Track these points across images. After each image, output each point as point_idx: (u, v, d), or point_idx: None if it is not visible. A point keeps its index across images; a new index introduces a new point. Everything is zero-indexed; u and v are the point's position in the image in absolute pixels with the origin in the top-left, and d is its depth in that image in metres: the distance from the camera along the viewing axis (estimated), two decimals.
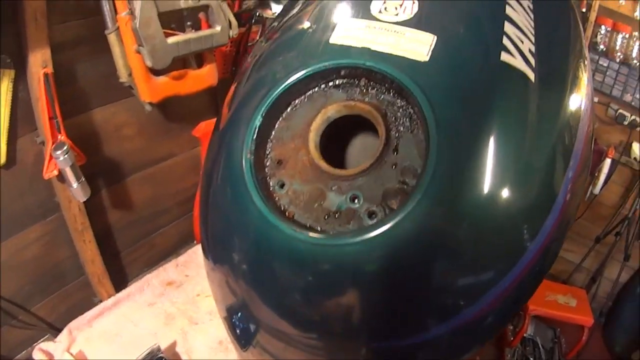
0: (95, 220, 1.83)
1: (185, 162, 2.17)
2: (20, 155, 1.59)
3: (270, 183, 0.90)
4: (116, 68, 1.62)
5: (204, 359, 1.65)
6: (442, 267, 0.83)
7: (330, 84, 0.91)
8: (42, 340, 1.77)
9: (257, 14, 1.92)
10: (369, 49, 0.89)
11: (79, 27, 1.63)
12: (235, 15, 1.66)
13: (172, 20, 1.63)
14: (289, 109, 0.92)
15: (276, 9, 1.99)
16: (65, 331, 1.63)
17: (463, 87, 0.87)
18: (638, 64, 2.79)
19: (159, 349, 1.47)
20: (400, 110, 0.87)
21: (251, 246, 0.89)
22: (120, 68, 1.58)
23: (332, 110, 0.89)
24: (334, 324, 0.87)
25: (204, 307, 1.84)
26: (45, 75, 1.49)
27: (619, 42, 2.78)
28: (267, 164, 0.91)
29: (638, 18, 2.71)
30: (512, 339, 2.63)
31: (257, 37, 2.03)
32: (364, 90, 0.90)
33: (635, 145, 2.84)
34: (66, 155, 1.52)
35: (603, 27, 2.77)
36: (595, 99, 2.79)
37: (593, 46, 2.78)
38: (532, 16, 1.10)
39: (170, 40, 1.49)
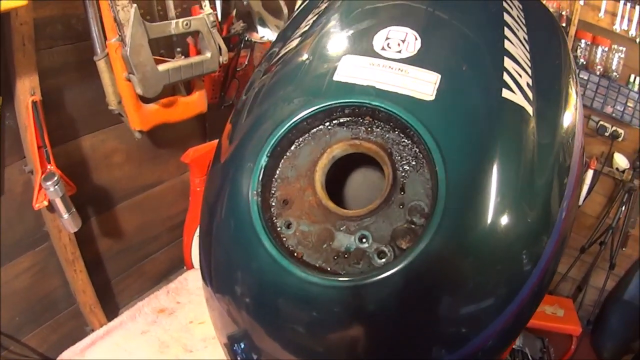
0: (86, 249, 1.80)
1: (174, 188, 2.16)
2: (9, 184, 1.56)
3: (277, 224, 0.89)
4: (105, 95, 1.59)
5: None
6: (451, 301, 0.83)
7: (335, 122, 0.91)
8: None
9: (246, 38, 1.91)
10: (374, 87, 0.89)
11: (67, 52, 1.61)
12: (223, 39, 1.65)
13: (161, 46, 1.62)
14: (293, 147, 0.92)
15: (263, 32, 1.99)
16: None
17: (467, 126, 0.88)
18: (617, 76, 2.85)
19: None
20: (406, 149, 0.87)
21: (261, 286, 0.88)
22: (110, 95, 1.56)
23: (337, 150, 0.89)
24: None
25: (198, 334, 1.81)
26: (34, 103, 1.46)
27: (598, 55, 2.85)
28: (273, 204, 0.90)
29: (617, 31, 2.78)
30: None
31: (246, 62, 2.02)
32: (369, 129, 0.90)
33: (616, 156, 2.91)
34: (56, 186, 1.49)
35: (583, 41, 2.83)
36: None
37: (573, 60, 2.82)
38: (527, 47, 1.13)
39: (161, 67, 1.47)
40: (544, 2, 2.78)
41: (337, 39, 1.05)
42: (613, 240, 2.92)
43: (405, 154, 0.87)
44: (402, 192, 0.85)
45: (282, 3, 1.96)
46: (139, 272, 2.12)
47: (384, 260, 0.82)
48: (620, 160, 2.90)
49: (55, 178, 1.48)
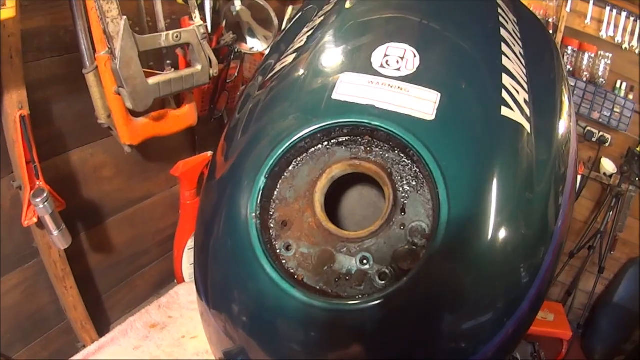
0: (76, 264, 1.76)
1: (164, 202, 2.12)
2: None
3: (277, 246, 0.87)
4: (94, 108, 1.56)
5: None
6: (453, 319, 0.83)
7: (334, 141, 0.90)
8: None
9: (236, 49, 1.88)
10: (373, 106, 0.88)
11: (55, 64, 1.57)
12: (213, 50, 1.63)
13: (151, 59, 1.59)
14: (291, 168, 0.90)
15: (252, 43, 1.97)
16: None
17: (467, 145, 0.88)
18: (604, 82, 2.88)
19: None
20: (406, 169, 0.86)
21: (260, 309, 0.87)
22: (99, 109, 1.52)
23: (336, 170, 0.88)
24: None
25: (191, 349, 1.78)
26: (22, 117, 1.42)
27: (585, 62, 2.88)
28: (272, 225, 0.89)
29: (603, 37, 2.81)
30: None
31: (235, 73, 1.99)
32: (368, 148, 0.89)
33: (604, 161, 2.94)
34: (46, 203, 1.45)
35: (569, 47, 2.86)
36: None
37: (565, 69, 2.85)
38: (523, 62, 1.13)
39: (151, 80, 1.44)
40: (531, 9, 2.81)
41: (334, 55, 1.04)
42: (602, 244, 2.95)
43: (405, 174, 0.86)
44: (402, 213, 0.84)
45: (273, 14, 1.94)
46: (130, 287, 2.08)
47: (385, 281, 0.81)
48: (608, 165, 2.93)
49: (45, 194, 1.45)
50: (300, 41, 1.22)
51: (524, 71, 1.10)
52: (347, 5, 1.23)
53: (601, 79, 2.87)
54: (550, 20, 2.82)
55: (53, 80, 1.58)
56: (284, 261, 0.86)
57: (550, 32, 2.81)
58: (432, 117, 0.87)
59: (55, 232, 1.51)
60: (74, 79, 1.55)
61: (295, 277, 0.84)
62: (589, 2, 2.76)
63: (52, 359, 1.77)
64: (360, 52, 1.00)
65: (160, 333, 1.83)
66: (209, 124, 2.07)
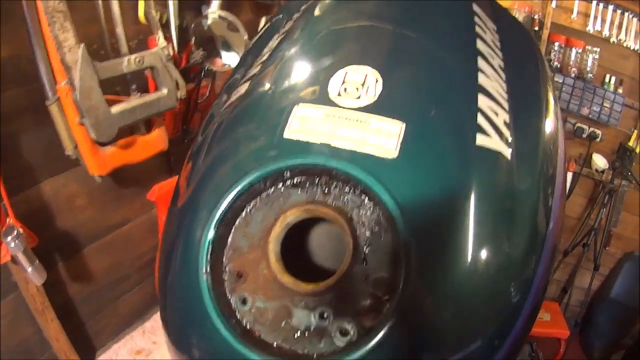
0: (56, 295, 1.69)
1: (142, 226, 2.04)
2: None
3: (231, 300, 0.78)
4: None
5: None
6: None
7: (288, 183, 0.80)
8: None
9: (206, 67, 1.77)
10: (329, 145, 0.78)
11: (20, 96, 1.48)
12: (183, 70, 1.53)
13: (117, 83, 1.49)
14: (244, 214, 0.80)
15: (227, 58, 1.85)
16: None
17: (436, 184, 0.77)
18: (592, 77, 2.78)
19: None
20: (368, 212, 0.76)
21: None
22: (65, 140, 1.44)
23: (291, 216, 0.77)
24: None
25: None
26: None
27: (572, 57, 2.77)
28: (226, 277, 0.79)
29: (590, 32, 2.70)
30: None
31: (207, 92, 1.88)
32: (326, 190, 0.78)
33: (595, 157, 2.84)
34: (17, 241, 1.38)
35: (556, 43, 2.75)
36: None
37: (547, 64, 2.74)
38: (503, 76, 1.02)
39: (115, 109, 1.35)
40: (515, 6, 2.70)
41: (291, 81, 0.93)
42: (596, 240, 2.85)
43: (366, 219, 0.76)
44: (364, 262, 0.74)
45: (242, 30, 1.82)
46: (113, 313, 2.00)
47: (346, 338, 0.71)
48: (599, 161, 2.83)
49: (15, 232, 1.37)
50: (266, 53, 1.12)
51: (504, 87, 0.99)
52: (316, 12, 1.13)
53: (589, 74, 2.77)
54: (536, 16, 2.71)
55: (18, 112, 1.49)
56: (239, 316, 0.77)
57: (536, 28, 2.70)
58: (395, 154, 0.76)
59: (29, 269, 1.44)
60: (40, 110, 1.45)
61: (252, 332, 0.75)
62: None
63: None
64: (317, 78, 0.89)
65: (146, 359, 1.76)
66: (183, 145, 1.98)
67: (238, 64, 1.30)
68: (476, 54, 1.00)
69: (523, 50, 1.25)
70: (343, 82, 0.86)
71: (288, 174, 0.79)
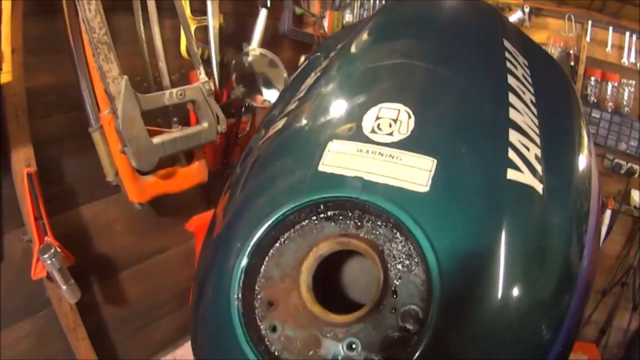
0: (88, 315, 1.73)
1: (179, 255, 2.08)
2: (9, 250, 1.51)
3: (262, 327, 0.81)
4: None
5: None
6: None
7: (322, 215, 0.83)
8: None
9: (247, 103, 1.84)
10: (362, 179, 0.81)
11: (63, 121, 1.57)
12: (223, 105, 1.59)
13: (159, 115, 1.56)
14: (277, 244, 0.84)
15: (268, 94, 1.92)
16: None
17: (467, 218, 0.79)
18: (629, 111, 2.74)
19: None
20: (399, 246, 0.79)
21: None
22: (107, 167, 1.50)
23: (324, 248, 0.80)
24: None
25: None
26: (29, 175, 1.41)
27: (609, 92, 2.73)
28: (257, 305, 0.82)
29: (625, 64, 2.67)
30: None
31: (247, 128, 1.95)
32: (358, 223, 0.81)
33: (634, 193, 2.76)
34: (53, 259, 1.43)
35: (592, 78, 2.72)
36: None
37: (584, 99, 2.72)
38: (535, 111, 1.04)
39: (156, 140, 1.42)
40: (550, 42, 2.71)
41: (326, 117, 0.98)
42: (635, 279, 2.76)
43: (397, 252, 0.78)
44: (394, 295, 0.76)
45: (282, 67, 1.89)
46: (145, 338, 2.04)
47: None
48: (638, 197, 2.75)
49: (52, 251, 1.42)
50: (303, 90, 1.18)
51: (536, 122, 1.01)
52: (345, 59, 1.18)
53: (626, 108, 2.72)
54: (571, 51, 2.71)
55: (61, 137, 1.57)
56: (268, 343, 0.79)
57: (572, 63, 2.69)
58: (426, 189, 0.79)
59: (64, 287, 1.49)
60: (82, 136, 1.53)
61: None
62: (608, 29, 2.64)
63: None
64: (351, 115, 0.94)
65: None
66: (223, 179, 2.00)
67: (276, 101, 1.36)
68: (507, 89, 1.02)
69: (555, 84, 1.26)
70: (376, 119, 0.90)
71: (322, 207, 0.82)
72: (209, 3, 1.65)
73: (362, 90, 1.02)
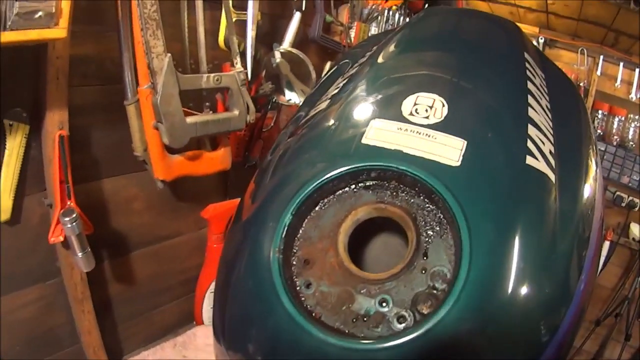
0: (96, 290, 1.78)
1: (191, 242, 2.15)
2: (26, 214, 1.56)
3: (297, 283, 0.89)
4: (131, 140, 1.62)
5: None
6: None
7: (360, 184, 0.93)
8: None
9: (273, 99, 1.95)
10: (401, 151, 0.91)
11: (98, 92, 1.64)
12: (251, 99, 1.69)
13: (191, 99, 1.65)
14: (317, 208, 0.93)
15: (289, 96, 2.03)
16: None
17: (492, 192, 0.90)
18: (634, 145, 2.87)
19: None
20: (430, 214, 0.88)
21: (276, 345, 0.87)
22: (136, 142, 1.58)
23: (362, 212, 0.90)
24: None
25: None
26: (61, 137, 1.48)
27: (615, 126, 2.88)
28: (294, 262, 0.91)
29: (633, 99, 2.81)
30: None
31: (272, 123, 2.05)
32: (395, 193, 0.91)
33: (633, 226, 2.88)
34: (74, 223, 1.48)
35: (600, 111, 2.87)
36: None
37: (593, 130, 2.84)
38: (550, 116, 1.16)
39: (189, 120, 1.50)
40: None
41: (366, 103, 1.08)
42: (629, 311, 2.85)
43: (429, 220, 0.88)
44: (425, 257, 0.85)
45: (311, 68, 2.01)
46: (148, 321, 2.08)
47: (403, 325, 0.81)
48: (637, 230, 2.87)
49: (74, 215, 1.48)
50: (334, 90, 1.27)
51: (550, 124, 1.13)
52: (380, 60, 1.29)
53: (631, 143, 2.87)
54: (582, 84, 2.85)
55: (95, 107, 1.65)
56: (303, 298, 0.87)
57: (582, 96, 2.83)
58: (458, 164, 0.89)
59: (80, 254, 1.54)
60: (115, 110, 1.61)
61: (313, 314, 0.85)
62: (619, 65, 2.79)
63: None
64: (390, 101, 1.04)
65: None
66: (242, 171, 2.11)
67: (304, 103, 1.45)
68: (527, 91, 1.15)
69: (568, 98, 1.37)
70: (414, 104, 1.01)
71: (363, 176, 0.92)
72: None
73: (400, 83, 1.13)
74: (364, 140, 0.94)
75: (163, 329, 2.15)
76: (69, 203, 1.52)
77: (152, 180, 1.66)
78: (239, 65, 1.62)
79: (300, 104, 1.45)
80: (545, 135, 1.06)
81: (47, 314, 1.72)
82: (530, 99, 1.12)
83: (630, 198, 2.85)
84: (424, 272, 0.84)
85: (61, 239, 1.51)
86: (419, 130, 0.94)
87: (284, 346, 0.86)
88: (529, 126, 1.03)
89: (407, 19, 2.60)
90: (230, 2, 1.70)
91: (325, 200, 0.93)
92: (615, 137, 2.88)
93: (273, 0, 2.12)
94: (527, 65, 1.27)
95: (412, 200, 0.90)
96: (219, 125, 1.57)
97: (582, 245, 0.98)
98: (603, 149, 2.87)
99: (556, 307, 0.88)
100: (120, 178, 1.77)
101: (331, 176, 0.91)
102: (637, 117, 2.83)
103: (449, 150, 0.91)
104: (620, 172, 2.87)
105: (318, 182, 0.91)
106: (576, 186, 1.05)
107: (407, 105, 1.00)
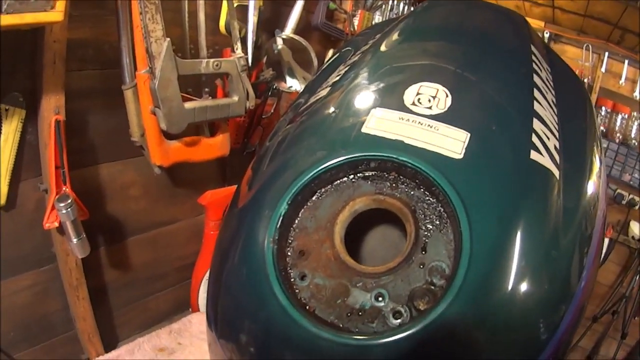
0: (91, 276, 1.76)
1: (188, 229, 2.12)
2: (21, 199, 1.53)
3: (291, 274, 0.86)
4: (129, 125, 1.58)
5: None
6: None
7: (359, 175, 0.89)
8: None
9: (274, 86, 1.90)
10: (402, 142, 0.87)
11: (95, 77, 1.61)
12: (252, 85, 1.65)
13: (190, 84, 1.62)
14: (314, 198, 0.89)
15: (291, 83, 1.99)
16: None
17: (494, 186, 0.86)
18: (636, 144, 2.83)
19: None
20: (430, 207, 0.85)
21: (268, 337, 0.85)
22: (134, 127, 1.55)
23: (360, 204, 0.86)
24: None
25: None
26: (57, 122, 1.45)
27: (618, 123, 2.83)
28: (289, 253, 0.87)
29: (637, 98, 2.77)
30: None
31: (271, 110, 2.01)
32: (394, 185, 0.87)
33: (633, 224, 2.84)
34: (69, 209, 1.46)
35: (603, 108, 2.82)
36: None
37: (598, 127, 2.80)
38: (555, 110, 1.12)
39: (187, 105, 1.47)
40: None
41: (367, 91, 1.05)
42: (626, 309, 2.82)
43: (429, 213, 0.84)
44: (423, 251, 0.82)
45: (313, 55, 1.97)
46: (143, 308, 2.06)
47: (399, 320, 0.78)
48: (637, 229, 2.83)
49: (69, 200, 1.46)
50: (335, 77, 1.23)
51: (556, 119, 1.09)
52: (383, 48, 1.25)
53: (633, 141, 2.82)
54: (586, 80, 2.80)
55: (92, 92, 1.62)
56: (297, 290, 0.84)
57: None
58: (460, 156, 0.86)
59: (75, 240, 1.52)
60: (112, 94, 1.58)
61: (307, 307, 0.82)
62: (623, 62, 2.74)
63: None
64: (393, 90, 1.01)
65: (168, 358, 1.80)
66: (241, 157, 2.08)
67: (304, 90, 1.41)
68: (532, 85, 1.10)
69: (574, 93, 1.34)
70: (417, 94, 0.97)
71: (361, 166, 0.88)
72: None
73: (403, 71, 1.09)
74: (364, 130, 0.90)
75: (158, 315, 2.13)
76: (64, 188, 1.49)
77: (150, 166, 1.63)
78: (239, 51, 1.58)
79: (301, 90, 1.41)
80: (550, 130, 1.02)
81: (42, 300, 1.70)
82: (536, 93, 1.08)
83: (631, 196, 2.81)
84: (422, 266, 0.81)
85: (56, 224, 1.49)
86: (421, 121, 0.90)
87: (276, 339, 0.83)
88: (534, 120, 0.99)
89: (412, 8, 2.55)
90: None
91: (323, 189, 0.90)
92: (618, 134, 2.84)
93: None
94: (534, 58, 1.23)
95: (412, 193, 0.86)
96: (218, 111, 1.54)
97: (585, 242, 0.95)
98: (605, 146, 2.82)
99: (557, 305, 0.85)
100: (117, 163, 1.74)
101: (329, 165, 0.87)
102: None
103: (452, 142, 0.87)
104: (621, 170, 2.82)
105: (315, 171, 0.87)
106: (580, 183, 1.02)
107: (409, 95, 0.96)
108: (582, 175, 1.04)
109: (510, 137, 0.95)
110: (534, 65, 1.19)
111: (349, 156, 0.86)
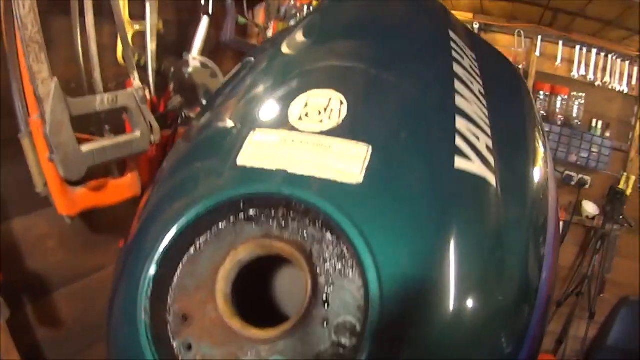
0: (21, 338, 1.52)
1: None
2: None
3: (175, 344, 0.66)
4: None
5: None
6: None
7: (241, 215, 0.69)
8: None
9: (184, 114, 1.68)
10: (285, 171, 0.68)
11: None
12: (161, 115, 1.44)
13: (92, 124, 1.40)
14: (191, 250, 0.69)
15: None
16: None
17: (410, 212, 0.66)
18: (579, 123, 2.71)
19: None
20: (330, 247, 0.65)
21: None
22: (36, 177, 1.32)
23: (243, 253, 0.66)
24: None
25: None
26: None
27: (558, 105, 2.71)
28: (170, 319, 0.67)
29: (575, 77, 2.65)
30: None
31: None
32: (283, 223, 0.67)
33: (585, 203, 2.73)
34: None
35: (541, 92, 2.70)
36: None
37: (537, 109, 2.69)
38: (485, 102, 0.92)
39: (85, 148, 1.25)
40: None
41: (246, 111, 0.84)
42: (590, 288, 2.70)
43: (328, 255, 0.65)
44: (325, 305, 0.62)
45: (220, 76, 1.75)
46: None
47: None
48: (590, 208, 2.72)
49: None
50: (228, 90, 1.04)
51: (485, 112, 0.90)
52: (275, 55, 1.05)
53: (576, 120, 2.70)
54: (520, 66, 2.68)
55: None
56: None
57: None
58: (360, 179, 0.66)
59: None
60: (14, 144, 1.35)
61: None
62: (558, 43, 2.62)
63: None
64: (276, 105, 0.80)
65: None
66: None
67: (204, 107, 1.21)
68: (452, 76, 0.91)
69: (506, 79, 1.16)
70: (305, 106, 0.77)
71: (240, 206, 0.68)
72: (147, 3, 1.50)
73: (290, 80, 0.88)
74: (240, 160, 0.70)
75: None
76: None
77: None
78: (137, 81, 1.37)
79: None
80: (479, 126, 0.83)
81: None
82: (458, 85, 0.88)
83: (580, 176, 2.70)
84: (325, 324, 0.61)
85: None
86: (308, 140, 0.70)
87: None
88: (457, 118, 0.79)
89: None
90: (127, 14, 1.45)
91: (201, 239, 0.69)
92: (560, 116, 2.72)
93: (179, 6, 1.84)
94: (453, 45, 1.03)
95: (305, 231, 0.67)
96: (119, 149, 1.32)
97: (539, 233, 0.79)
98: (548, 129, 2.70)
99: (519, 308, 0.70)
100: (29, 217, 1.50)
101: (200, 212, 0.67)
102: (581, 94, 2.66)
103: (349, 161, 0.68)
104: (567, 151, 2.70)
105: (186, 220, 0.67)
106: (523, 175, 0.85)
107: (295, 108, 0.76)
108: (525, 166, 0.88)
109: (426, 145, 0.76)
110: (454, 54, 1.00)
111: (220, 198, 0.66)
